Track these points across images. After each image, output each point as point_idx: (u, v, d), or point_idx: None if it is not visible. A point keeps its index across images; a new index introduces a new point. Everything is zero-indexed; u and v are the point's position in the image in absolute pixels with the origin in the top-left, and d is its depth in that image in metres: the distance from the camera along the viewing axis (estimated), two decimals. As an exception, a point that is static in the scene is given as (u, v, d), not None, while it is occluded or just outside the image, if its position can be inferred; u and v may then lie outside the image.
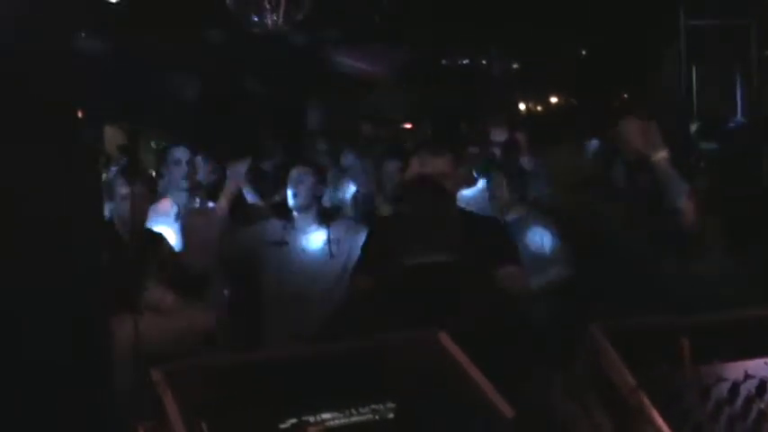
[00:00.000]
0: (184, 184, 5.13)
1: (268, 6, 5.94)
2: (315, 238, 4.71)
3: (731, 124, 9.97)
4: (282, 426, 1.81)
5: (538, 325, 2.68)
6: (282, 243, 4.69)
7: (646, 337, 2.20)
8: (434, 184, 3.21)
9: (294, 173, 4.80)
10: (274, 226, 4.80)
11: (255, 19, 5.99)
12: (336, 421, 1.84)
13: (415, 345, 1.99)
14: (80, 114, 2.70)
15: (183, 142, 5.44)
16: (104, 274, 2.55)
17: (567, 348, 2.40)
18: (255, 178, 6.44)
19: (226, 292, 5.09)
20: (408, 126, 13.74)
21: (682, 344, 2.11)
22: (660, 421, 1.93)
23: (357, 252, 3.98)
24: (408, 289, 2.64)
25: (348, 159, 7.66)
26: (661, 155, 3.55)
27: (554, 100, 16.39)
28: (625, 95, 14.75)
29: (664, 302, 3.17)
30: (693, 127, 7.95)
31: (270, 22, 6.02)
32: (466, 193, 5.44)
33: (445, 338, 1.98)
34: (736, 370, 2.14)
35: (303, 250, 4.69)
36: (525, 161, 6.92)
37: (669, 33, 10.06)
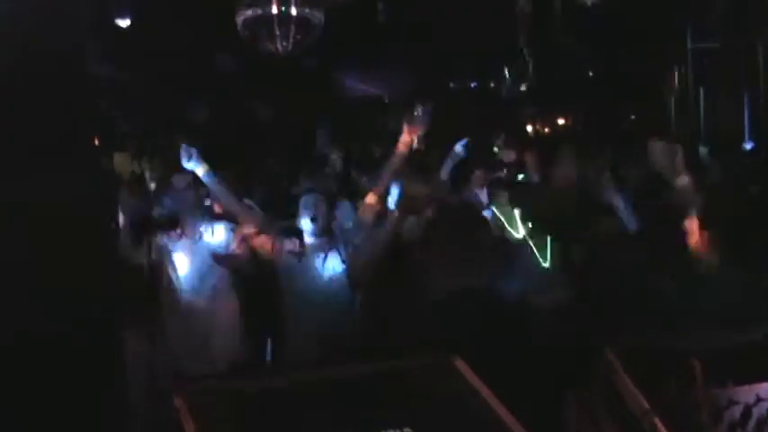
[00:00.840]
0: (187, 211, 5.16)
1: (278, 33, 5.99)
2: (328, 261, 4.73)
3: (741, 146, 10.01)
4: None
5: (552, 348, 2.71)
6: (300, 255, 4.73)
7: (659, 360, 2.22)
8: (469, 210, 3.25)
9: (311, 198, 4.82)
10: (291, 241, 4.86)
11: (267, 45, 6.04)
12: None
13: (431, 369, 2.02)
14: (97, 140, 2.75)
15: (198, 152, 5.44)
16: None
17: (581, 370, 2.44)
18: (265, 201, 6.46)
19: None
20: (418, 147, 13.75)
21: (694, 366, 2.14)
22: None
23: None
24: (439, 314, 2.67)
25: (362, 182, 7.71)
26: (684, 180, 3.61)
27: (561, 121, 16.45)
28: (633, 117, 14.82)
29: (669, 321, 3.19)
30: (703, 149, 7.97)
31: (280, 47, 6.07)
32: None
33: (461, 363, 2.01)
34: (748, 393, 2.16)
35: (318, 274, 4.72)
36: (534, 180, 6.96)
37: (676, 56, 10.12)
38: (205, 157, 4.78)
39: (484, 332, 2.59)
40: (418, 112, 4.94)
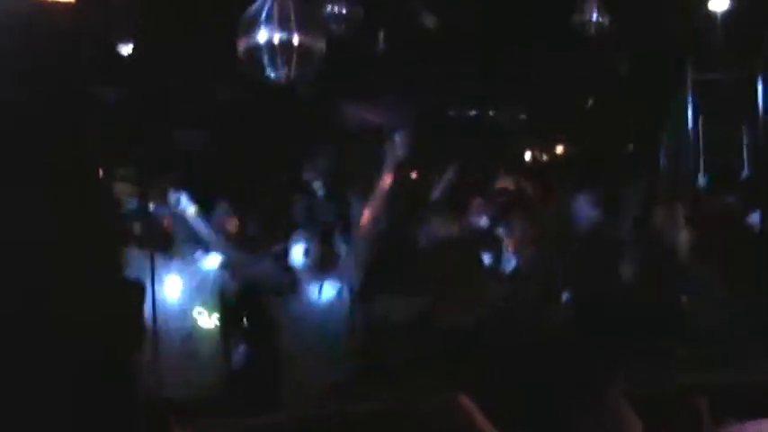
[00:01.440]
0: (183, 234, 5.19)
1: (280, 61, 6.02)
2: (321, 289, 4.74)
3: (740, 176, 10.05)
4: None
5: (555, 385, 2.69)
6: (292, 283, 4.73)
7: (664, 397, 2.22)
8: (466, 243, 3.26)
9: (304, 229, 4.85)
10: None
11: (268, 73, 6.06)
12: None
13: (436, 408, 2.01)
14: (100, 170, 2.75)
15: (188, 195, 5.48)
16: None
17: (585, 410, 2.42)
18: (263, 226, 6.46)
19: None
20: (414, 176, 13.79)
21: (700, 404, 2.14)
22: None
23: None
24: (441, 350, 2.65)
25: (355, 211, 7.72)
26: (683, 238, 3.72)
27: (560, 150, 16.50)
28: (632, 147, 14.86)
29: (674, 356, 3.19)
30: (702, 179, 8.02)
31: (282, 76, 6.10)
32: None
33: (466, 401, 2.00)
34: (753, 431, 2.16)
35: (311, 302, 4.72)
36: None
37: (677, 87, 10.19)
38: (201, 187, 4.81)
39: (490, 367, 2.58)
40: (397, 139, 4.83)
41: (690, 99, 10.27)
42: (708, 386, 2.29)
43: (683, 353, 3.11)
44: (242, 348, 5.12)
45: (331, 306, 4.67)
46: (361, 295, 4.58)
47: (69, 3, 2.53)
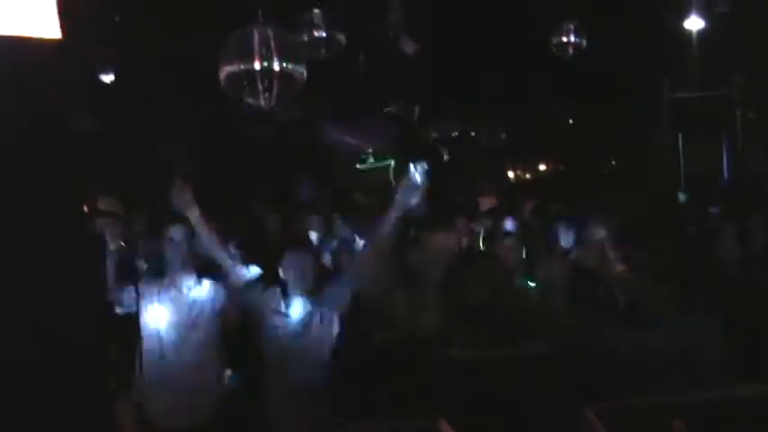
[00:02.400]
0: (178, 263, 5.18)
1: (261, 88, 6.04)
2: (314, 321, 4.75)
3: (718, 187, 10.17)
4: None
5: (532, 407, 2.73)
6: (284, 314, 4.73)
7: (640, 419, 2.26)
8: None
9: (298, 257, 4.84)
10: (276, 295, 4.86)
11: (249, 99, 6.08)
12: None
13: (417, 432, 2.05)
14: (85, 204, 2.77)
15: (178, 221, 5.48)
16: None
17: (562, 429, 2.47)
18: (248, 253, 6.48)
19: (228, 372, 5.14)
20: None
21: (677, 428, 2.18)
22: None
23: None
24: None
25: (343, 232, 7.79)
26: (617, 269, 3.84)
27: (542, 167, 16.61)
28: (613, 162, 14.97)
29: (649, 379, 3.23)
30: (682, 197, 8.12)
31: (263, 102, 6.12)
32: None
33: (446, 427, 2.04)
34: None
35: (299, 331, 4.73)
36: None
37: (655, 104, 10.32)
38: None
39: (469, 391, 2.62)
40: (414, 172, 4.50)
41: (667, 117, 10.41)
42: (684, 406, 2.33)
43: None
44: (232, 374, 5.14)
45: (320, 330, 4.69)
46: (352, 321, 4.60)
47: (54, 39, 2.56)
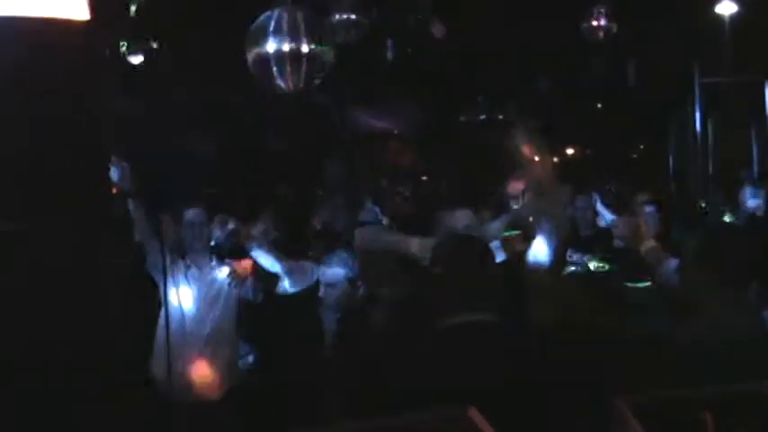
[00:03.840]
0: (198, 245, 5.20)
1: (289, 69, 6.00)
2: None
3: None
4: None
5: (563, 396, 2.69)
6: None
7: (671, 411, 2.22)
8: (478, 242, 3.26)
9: (346, 255, 5.01)
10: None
11: (277, 81, 6.05)
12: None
13: (444, 422, 2.02)
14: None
15: (199, 203, 5.50)
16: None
17: (591, 420, 2.43)
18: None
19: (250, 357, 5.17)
20: (424, 178, 13.82)
21: (706, 419, 2.14)
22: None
23: None
24: (447, 349, 2.65)
25: (367, 214, 7.77)
26: (647, 245, 3.81)
27: (570, 152, 16.50)
28: (641, 147, 14.85)
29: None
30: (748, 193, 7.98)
31: (291, 84, 6.09)
32: None
33: (475, 414, 2.01)
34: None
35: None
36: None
37: (685, 90, 10.20)
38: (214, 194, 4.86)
39: (500, 378, 2.59)
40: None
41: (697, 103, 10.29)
42: (714, 399, 2.28)
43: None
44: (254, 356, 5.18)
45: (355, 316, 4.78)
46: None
47: (83, 21, 2.54)
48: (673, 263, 3.63)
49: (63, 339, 2.40)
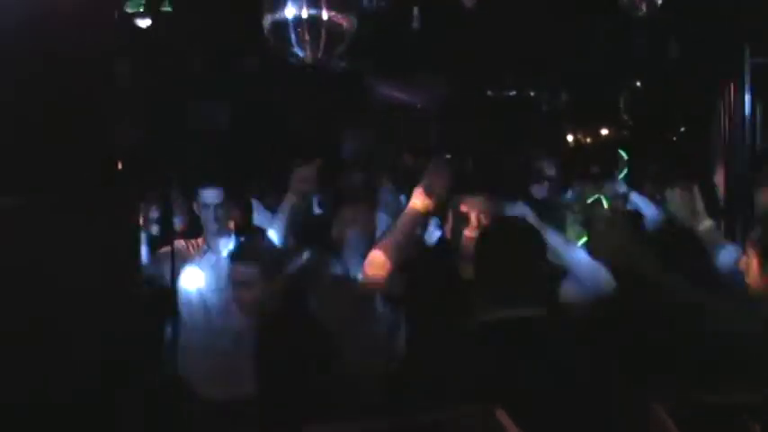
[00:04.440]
0: (214, 226, 5.21)
1: (308, 38, 5.96)
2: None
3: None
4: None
5: (599, 399, 2.66)
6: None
7: (713, 417, 2.20)
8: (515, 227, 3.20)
9: (362, 238, 4.97)
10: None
11: (295, 51, 6.01)
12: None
13: (471, 421, 2.02)
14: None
15: (214, 183, 5.50)
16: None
17: (628, 425, 2.42)
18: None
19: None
20: (448, 156, 13.78)
21: (750, 428, 2.12)
22: None
23: None
24: (486, 347, 2.63)
25: (384, 195, 7.77)
26: (705, 225, 3.73)
27: (605, 132, 16.38)
28: (682, 130, 14.73)
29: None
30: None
31: (310, 54, 6.05)
32: None
33: (502, 414, 2.01)
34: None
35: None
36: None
37: (733, 70, 10.08)
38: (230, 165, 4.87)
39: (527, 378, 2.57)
40: (436, 164, 4.35)
41: (746, 83, 10.16)
42: (757, 404, 2.27)
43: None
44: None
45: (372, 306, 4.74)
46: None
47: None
48: (732, 250, 3.56)
49: (65, 318, 2.41)
